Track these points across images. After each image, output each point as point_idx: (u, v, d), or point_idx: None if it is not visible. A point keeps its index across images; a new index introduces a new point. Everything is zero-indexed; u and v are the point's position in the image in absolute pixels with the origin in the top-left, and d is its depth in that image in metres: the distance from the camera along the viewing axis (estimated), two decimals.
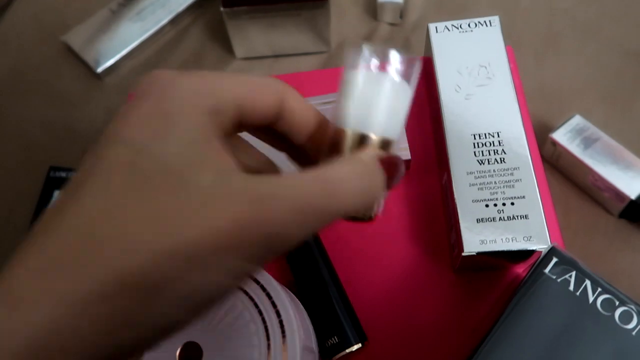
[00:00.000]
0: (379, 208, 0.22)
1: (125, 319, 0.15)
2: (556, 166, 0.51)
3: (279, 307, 0.28)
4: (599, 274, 0.25)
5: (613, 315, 0.25)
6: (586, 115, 0.51)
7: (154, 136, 0.17)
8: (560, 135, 0.49)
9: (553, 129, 0.50)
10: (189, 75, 0.19)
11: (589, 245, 0.48)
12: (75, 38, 0.62)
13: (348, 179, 0.18)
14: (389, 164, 0.20)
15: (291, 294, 0.31)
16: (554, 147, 0.50)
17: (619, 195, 0.47)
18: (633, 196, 0.46)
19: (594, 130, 0.49)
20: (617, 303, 0.25)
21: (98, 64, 0.60)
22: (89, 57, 0.61)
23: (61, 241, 0.16)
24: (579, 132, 0.49)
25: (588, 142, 0.49)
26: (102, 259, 0.15)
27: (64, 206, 0.16)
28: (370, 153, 0.20)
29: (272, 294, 0.28)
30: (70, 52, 0.62)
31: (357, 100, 0.21)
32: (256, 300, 0.28)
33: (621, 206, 0.47)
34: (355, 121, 0.21)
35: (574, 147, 0.49)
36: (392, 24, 0.61)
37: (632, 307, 0.25)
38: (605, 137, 0.49)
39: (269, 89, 0.20)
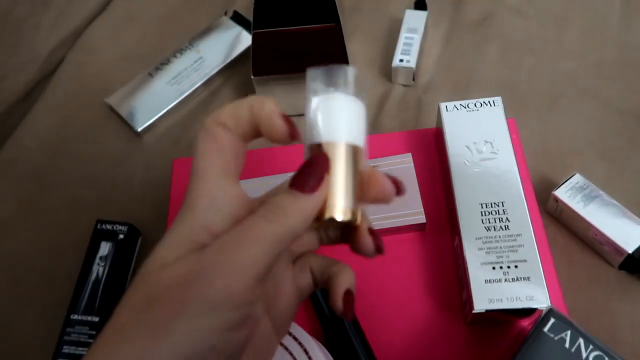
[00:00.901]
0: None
1: None
2: (559, 220, 0.56)
3: (313, 358, 0.32)
4: (600, 324, 0.29)
5: None
6: (586, 173, 0.55)
7: None
8: (562, 193, 0.54)
9: (556, 185, 0.55)
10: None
11: (592, 295, 0.52)
12: (117, 100, 0.68)
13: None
14: (298, 176, 0.23)
15: (322, 346, 0.35)
16: (557, 203, 0.54)
17: (617, 249, 0.51)
18: (630, 250, 0.50)
19: (593, 188, 0.54)
20: (606, 359, 0.29)
21: (138, 123, 0.66)
22: (129, 117, 0.67)
23: None
24: (579, 189, 0.54)
25: (588, 199, 0.53)
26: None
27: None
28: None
29: (306, 347, 0.33)
30: (113, 113, 0.68)
31: (322, 118, 0.24)
32: (294, 354, 0.32)
33: (620, 259, 0.51)
34: (324, 134, 0.24)
35: (574, 204, 0.53)
36: (405, 85, 0.67)
37: None
38: (603, 195, 0.53)
39: (242, 106, 0.24)
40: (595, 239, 0.53)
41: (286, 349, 0.32)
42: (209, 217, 0.23)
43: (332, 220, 0.23)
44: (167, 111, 0.68)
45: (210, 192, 0.24)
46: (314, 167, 0.23)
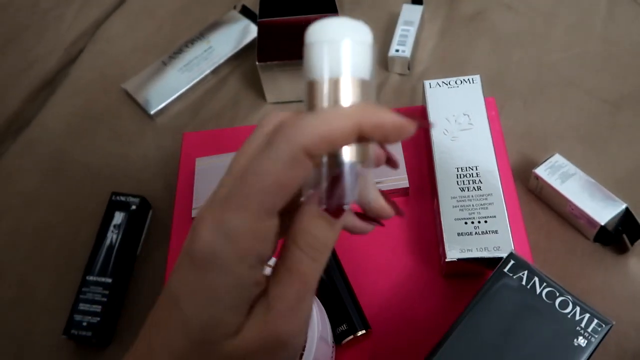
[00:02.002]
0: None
1: None
2: (540, 197, 0.60)
3: None
4: (574, 291, 0.33)
5: (554, 303, 0.33)
6: (566, 155, 0.59)
7: None
8: (542, 171, 0.58)
9: (537, 165, 0.59)
10: None
11: (568, 265, 0.55)
12: (132, 86, 0.74)
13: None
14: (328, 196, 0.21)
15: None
16: (537, 181, 0.58)
17: (591, 222, 0.54)
18: (603, 222, 0.54)
19: (571, 167, 0.58)
20: (557, 294, 0.33)
21: (151, 107, 0.72)
22: (143, 101, 0.72)
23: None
24: (557, 168, 0.58)
25: (565, 177, 0.57)
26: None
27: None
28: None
29: None
30: (128, 97, 0.74)
31: (326, 54, 0.22)
32: None
33: (594, 231, 0.55)
34: (328, 70, 0.22)
35: (553, 181, 0.57)
36: (401, 74, 0.71)
37: (569, 297, 0.33)
38: (580, 173, 0.57)
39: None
40: (571, 213, 0.57)
41: None
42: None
43: None
44: (178, 96, 0.73)
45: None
46: (341, 187, 0.21)
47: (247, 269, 0.21)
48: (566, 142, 0.63)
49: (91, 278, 0.58)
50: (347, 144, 0.21)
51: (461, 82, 0.46)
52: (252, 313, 0.21)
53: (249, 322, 0.21)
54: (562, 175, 0.57)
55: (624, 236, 0.55)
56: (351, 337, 0.39)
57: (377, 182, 0.45)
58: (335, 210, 0.21)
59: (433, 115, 0.45)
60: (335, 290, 0.42)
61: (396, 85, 0.70)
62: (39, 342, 0.58)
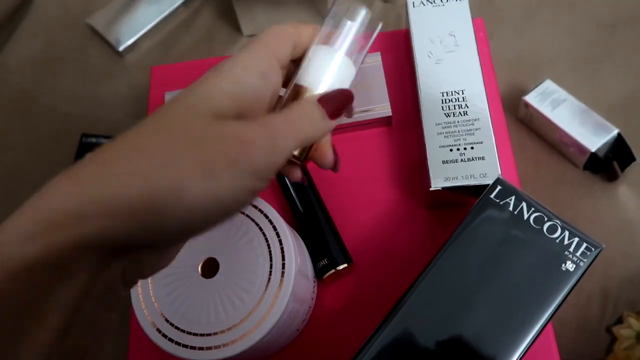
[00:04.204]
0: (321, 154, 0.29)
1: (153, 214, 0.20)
2: (529, 126, 0.58)
3: (282, 237, 0.34)
4: (564, 216, 0.31)
5: (542, 228, 0.31)
6: (558, 81, 0.57)
7: None
8: (532, 98, 0.55)
9: (527, 92, 0.56)
10: None
11: (557, 194, 0.54)
12: (98, 20, 0.69)
13: (290, 120, 0.25)
14: (327, 100, 0.26)
15: (292, 229, 0.38)
16: (527, 108, 0.56)
17: (581, 149, 0.53)
18: (593, 149, 0.52)
19: (562, 92, 0.55)
20: (545, 219, 0.32)
21: (119, 43, 0.67)
22: (111, 37, 0.68)
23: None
24: (548, 94, 0.55)
25: (556, 103, 0.55)
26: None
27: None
28: (307, 97, 0.27)
29: (276, 226, 0.35)
30: (95, 34, 0.69)
31: (313, 65, 0.27)
32: (264, 230, 0.35)
33: (584, 159, 0.53)
34: (309, 80, 0.27)
35: (543, 108, 0.55)
36: (385, 2, 0.67)
37: (557, 221, 0.32)
38: (571, 99, 0.55)
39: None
40: (561, 141, 0.55)
41: (257, 224, 0.35)
42: (251, 80, 0.25)
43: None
44: (148, 31, 0.68)
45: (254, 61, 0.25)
46: (343, 100, 0.27)
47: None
48: (558, 68, 0.60)
49: None
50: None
51: (447, 0, 0.42)
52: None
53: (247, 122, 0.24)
54: (552, 102, 0.55)
55: (615, 163, 0.53)
56: (332, 271, 0.38)
57: (360, 112, 0.43)
58: (332, 113, 0.26)
59: (417, 35, 0.41)
60: (316, 224, 0.40)
61: (380, 13, 0.66)
62: None
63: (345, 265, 0.39)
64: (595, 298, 0.50)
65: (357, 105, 0.43)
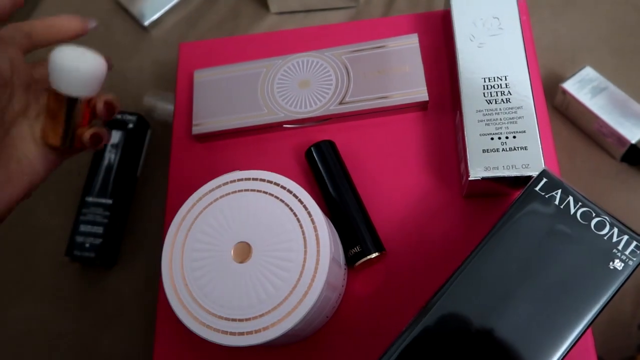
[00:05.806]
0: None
1: None
2: (566, 114, 0.56)
3: (317, 224, 0.34)
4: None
5: (590, 224, 0.30)
6: (597, 68, 0.55)
7: None
8: (570, 85, 0.53)
9: (564, 79, 0.54)
10: None
11: (590, 185, 0.53)
12: None
13: None
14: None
15: (325, 216, 0.37)
16: (564, 96, 0.54)
17: (620, 140, 0.51)
18: (634, 140, 0.50)
19: (601, 80, 0.53)
20: (593, 214, 0.30)
21: (145, 18, 0.66)
22: (136, 12, 0.67)
23: None
24: (587, 82, 0.53)
25: (595, 91, 0.53)
26: None
27: None
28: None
29: (312, 212, 0.34)
30: (120, 8, 0.68)
31: (57, 68, 0.31)
32: (299, 216, 0.34)
33: (622, 150, 0.51)
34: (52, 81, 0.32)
35: (582, 96, 0.53)
36: None
37: (606, 217, 0.30)
38: (612, 87, 0.53)
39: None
40: (599, 131, 0.53)
41: (292, 210, 0.34)
42: None
43: (50, 145, 0.33)
44: (174, 5, 0.67)
45: None
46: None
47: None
48: (597, 55, 0.58)
49: (90, 199, 0.56)
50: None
51: None
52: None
53: None
54: (592, 90, 0.53)
55: None
56: (364, 259, 0.37)
57: (394, 96, 0.41)
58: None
59: (458, 18, 0.40)
60: (347, 211, 0.39)
61: None
62: (43, 265, 0.56)
63: (378, 253, 0.38)
64: (629, 294, 0.48)
65: (392, 90, 0.41)
